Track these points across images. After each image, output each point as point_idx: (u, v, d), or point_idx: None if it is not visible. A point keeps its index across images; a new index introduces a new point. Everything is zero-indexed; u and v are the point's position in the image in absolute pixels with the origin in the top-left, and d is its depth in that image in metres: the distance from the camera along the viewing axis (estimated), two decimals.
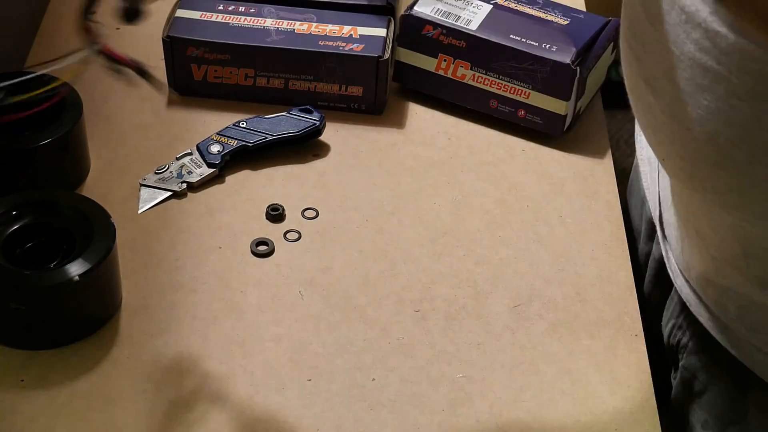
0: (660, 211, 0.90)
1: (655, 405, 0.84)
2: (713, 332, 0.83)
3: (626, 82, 0.78)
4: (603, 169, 1.04)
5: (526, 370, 0.86)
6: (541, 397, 0.84)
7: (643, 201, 0.97)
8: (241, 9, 1.07)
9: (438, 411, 0.83)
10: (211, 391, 0.83)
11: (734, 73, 0.65)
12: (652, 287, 0.96)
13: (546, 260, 0.94)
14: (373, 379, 0.84)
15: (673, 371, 0.91)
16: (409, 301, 0.90)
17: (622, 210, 1.00)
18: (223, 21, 1.06)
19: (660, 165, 0.85)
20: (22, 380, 0.82)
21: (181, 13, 1.06)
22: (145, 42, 1.13)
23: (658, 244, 0.91)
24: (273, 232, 0.95)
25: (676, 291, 0.88)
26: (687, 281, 0.85)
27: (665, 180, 0.87)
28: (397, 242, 0.95)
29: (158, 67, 1.09)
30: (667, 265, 0.88)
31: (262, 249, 0.92)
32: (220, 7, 1.07)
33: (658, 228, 0.90)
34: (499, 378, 0.85)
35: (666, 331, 0.91)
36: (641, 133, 0.94)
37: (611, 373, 0.86)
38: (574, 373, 0.86)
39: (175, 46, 1.04)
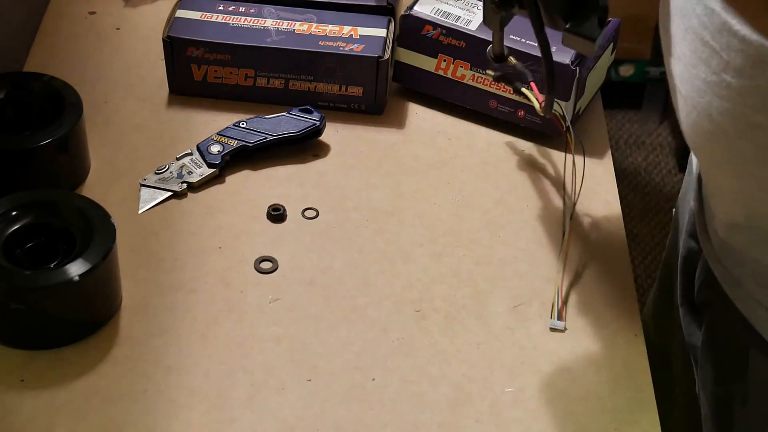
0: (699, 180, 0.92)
1: (655, 405, 0.84)
2: (725, 286, 0.85)
3: (663, 44, 0.81)
4: (603, 169, 1.04)
5: (526, 370, 0.86)
6: (541, 397, 0.84)
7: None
8: (242, 9, 1.07)
9: (438, 411, 0.83)
10: (211, 391, 0.83)
11: (724, 49, 0.69)
12: (692, 242, 0.97)
13: (546, 260, 0.94)
14: (373, 379, 0.84)
15: (701, 329, 0.93)
16: (409, 301, 0.90)
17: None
18: (223, 21, 1.06)
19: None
20: (22, 380, 0.83)
21: (181, 13, 1.06)
22: (145, 42, 1.13)
23: (695, 201, 0.93)
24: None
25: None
26: (709, 237, 0.87)
27: None
28: (397, 242, 0.95)
29: (158, 67, 1.09)
30: (696, 221, 0.90)
31: (266, 266, 0.92)
32: (221, 8, 1.07)
33: (695, 184, 0.92)
34: (499, 378, 0.85)
35: (696, 287, 0.92)
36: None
37: (611, 373, 0.86)
38: (574, 373, 0.86)
39: (175, 46, 1.04)
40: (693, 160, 1.01)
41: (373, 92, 1.05)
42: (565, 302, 0.91)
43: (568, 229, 0.95)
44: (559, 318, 0.89)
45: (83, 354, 0.85)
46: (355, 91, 1.05)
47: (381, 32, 1.05)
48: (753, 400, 0.86)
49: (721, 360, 0.89)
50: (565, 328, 0.89)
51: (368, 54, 1.04)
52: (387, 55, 1.04)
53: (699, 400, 0.93)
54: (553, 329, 0.88)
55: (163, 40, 1.04)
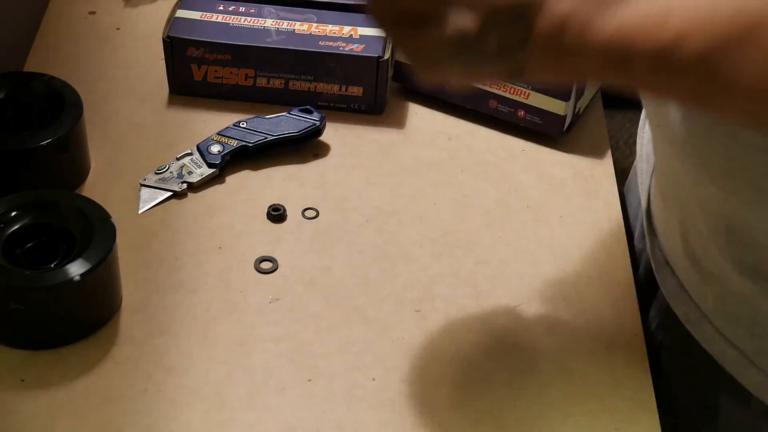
0: (648, 204, 0.91)
1: (655, 405, 0.84)
2: (689, 326, 0.84)
3: None
4: (603, 169, 1.04)
5: (526, 370, 0.86)
6: (541, 397, 0.84)
7: (640, 200, 0.97)
8: (242, 9, 1.07)
9: (438, 411, 0.83)
10: (211, 391, 0.83)
11: None
12: (643, 285, 0.96)
13: (546, 260, 0.94)
14: (373, 379, 0.84)
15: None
16: (409, 301, 0.90)
17: (624, 207, 1.00)
18: (223, 21, 1.06)
19: (653, 148, 0.88)
20: (22, 380, 0.83)
21: (181, 13, 1.06)
22: (145, 42, 1.13)
23: (643, 239, 0.92)
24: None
25: (660, 291, 0.89)
26: (672, 271, 0.86)
27: (656, 172, 0.88)
28: (397, 242, 0.95)
29: (158, 67, 1.09)
30: (652, 259, 0.89)
31: (266, 266, 0.92)
32: (221, 8, 1.07)
33: (645, 222, 0.91)
34: (499, 378, 0.85)
35: (650, 331, 0.91)
36: (644, 129, 0.96)
37: (611, 373, 0.86)
38: (574, 373, 0.86)
39: (175, 46, 1.04)
40: (635, 202, 1.00)
41: (373, 92, 1.05)
42: None
43: None
44: None
45: (83, 354, 0.85)
46: (355, 91, 1.05)
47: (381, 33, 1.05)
48: None
49: (682, 410, 0.87)
50: None
51: (368, 54, 1.03)
52: (387, 56, 1.04)
53: None
54: None
55: (164, 39, 1.04)
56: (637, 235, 0.99)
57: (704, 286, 0.82)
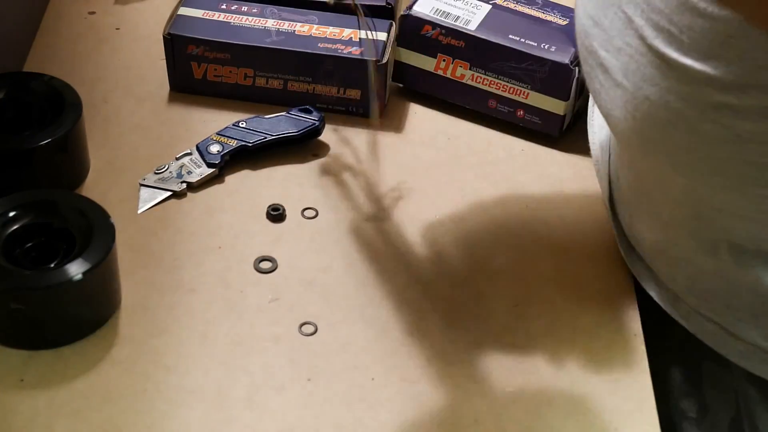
0: (610, 191, 0.91)
1: (655, 405, 0.84)
2: (664, 306, 0.85)
3: (580, 53, 0.80)
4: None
5: (526, 370, 0.86)
6: (541, 397, 0.84)
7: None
8: (244, 9, 1.07)
9: (438, 411, 0.83)
10: (211, 391, 0.83)
11: (685, 31, 0.68)
12: None
13: (546, 260, 0.94)
14: (373, 379, 0.84)
15: None
16: (409, 301, 0.90)
17: None
18: (224, 20, 1.06)
19: (611, 139, 0.89)
20: (22, 380, 0.82)
21: (183, 11, 1.06)
22: (145, 42, 1.13)
23: (608, 224, 0.92)
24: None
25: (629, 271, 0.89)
26: (639, 257, 0.86)
27: (615, 161, 0.89)
28: (397, 242, 0.95)
29: (158, 67, 1.09)
30: (618, 244, 0.90)
31: (266, 266, 0.92)
32: (223, 6, 1.07)
33: (608, 209, 0.91)
34: (499, 378, 0.85)
35: None
36: (593, 117, 0.96)
37: (611, 373, 0.86)
38: (574, 373, 0.86)
39: (175, 43, 1.04)
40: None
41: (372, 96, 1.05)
42: None
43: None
44: None
45: (83, 354, 0.84)
46: (353, 94, 1.05)
47: (381, 36, 1.05)
48: (711, 414, 0.86)
49: (667, 378, 0.88)
50: None
51: (367, 57, 1.03)
52: (386, 59, 1.03)
53: None
54: None
55: (164, 36, 1.05)
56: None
57: (673, 270, 0.83)
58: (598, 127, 0.96)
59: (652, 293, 0.85)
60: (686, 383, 0.87)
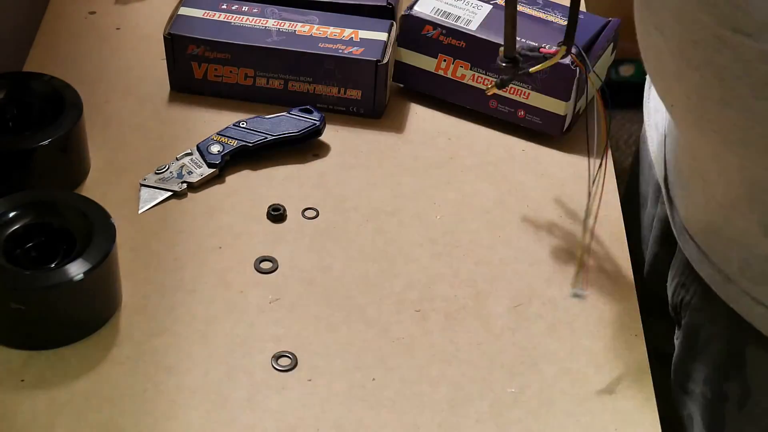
0: (665, 172, 0.91)
1: (655, 405, 0.84)
2: (714, 287, 0.84)
3: (638, 34, 0.80)
4: (604, 169, 1.03)
5: (526, 370, 0.86)
6: (541, 397, 0.84)
7: (650, 166, 0.98)
8: (245, 9, 1.07)
9: (438, 411, 0.83)
10: (211, 391, 0.83)
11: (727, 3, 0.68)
12: (658, 247, 0.97)
13: (546, 260, 0.94)
14: (373, 379, 0.84)
15: (676, 330, 0.92)
16: (409, 301, 0.90)
17: (628, 179, 1.00)
18: (225, 20, 1.06)
19: (667, 121, 0.89)
20: (22, 380, 0.82)
21: (183, 11, 1.06)
22: (145, 42, 1.13)
23: (664, 205, 0.92)
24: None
25: (680, 249, 0.89)
26: (691, 237, 0.86)
27: (672, 142, 0.89)
28: (397, 242, 0.95)
29: (158, 67, 1.09)
30: (672, 225, 0.90)
31: (266, 266, 0.92)
32: (224, 6, 1.07)
33: (663, 189, 0.92)
34: (499, 378, 0.85)
35: (670, 291, 0.92)
36: (650, 99, 0.96)
37: (611, 373, 0.86)
38: (574, 373, 0.86)
39: (175, 43, 1.05)
40: (646, 168, 1.01)
41: (372, 96, 1.05)
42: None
43: (600, 172, 0.90)
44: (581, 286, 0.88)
45: (83, 354, 0.85)
46: (354, 94, 1.05)
47: (382, 36, 1.05)
48: (754, 398, 0.86)
49: (711, 360, 0.89)
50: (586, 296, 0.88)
51: (367, 57, 1.03)
52: (386, 59, 1.03)
53: (675, 401, 0.93)
54: (576, 296, 0.88)
55: (164, 36, 1.05)
56: (651, 200, 1.00)
57: (727, 251, 0.82)
58: (653, 110, 0.97)
59: (703, 274, 0.85)
60: (728, 366, 0.87)
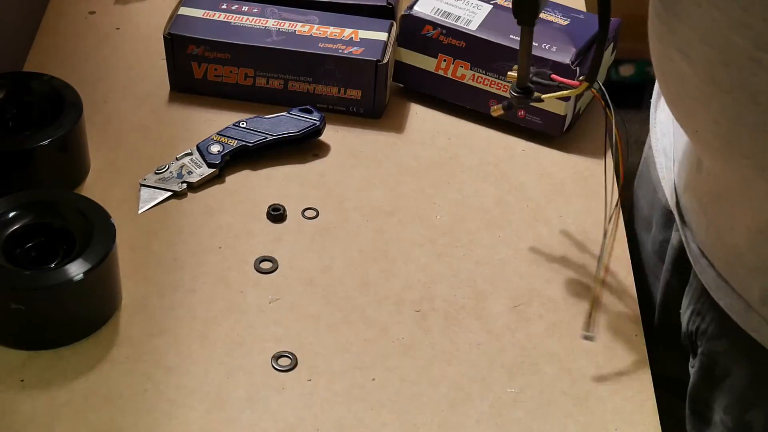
0: (677, 197, 0.90)
1: (655, 405, 0.84)
2: (734, 316, 0.83)
3: (655, 58, 0.79)
4: (603, 169, 1.03)
5: (526, 370, 0.86)
6: (541, 397, 0.84)
7: (655, 190, 0.97)
8: (244, 9, 1.07)
9: (438, 411, 0.83)
10: (210, 391, 0.83)
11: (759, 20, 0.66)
12: (670, 275, 0.95)
13: (546, 260, 0.94)
14: (373, 379, 0.84)
15: (691, 359, 0.91)
16: (409, 301, 0.90)
17: (630, 202, 1.00)
18: (224, 20, 1.06)
19: (675, 146, 0.87)
20: (22, 380, 0.82)
21: (183, 10, 1.06)
22: (145, 42, 1.13)
23: (677, 231, 0.91)
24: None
25: (695, 277, 0.88)
26: (710, 264, 0.85)
27: (685, 167, 0.88)
28: (397, 242, 0.95)
29: (158, 67, 1.09)
30: (687, 251, 0.88)
31: (266, 266, 0.92)
32: (224, 6, 1.07)
33: (676, 215, 0.90)
34: (499, 378, 0.85)
35: (685, 318, 0.91)
36: (656, 123, 0.95)
37: (611, 373, 0.86)
38: (574, 373, 0.86)
39: (175, 43, 1.05)
40: (650, 192, 1.00)
41: (372, 96, 1.05)
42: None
43: (611, 228, 0.90)
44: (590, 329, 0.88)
45: (83, 354, 0.84)
46: (354, 94, 1.05)
47: (382, 36, 1.05)
48: None
49: (732, 388, 0.87)
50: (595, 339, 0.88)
51: (367, 57, 1.03)
52: (386, 59, 1.03)
53: (692, 430, 0.92)
54: (587, 338, 0.87)
55: (164, 36, 1.05)
56: (659, 226, 0.99)
57: (749, 279, 0.81)
58: (660, 134, 0.96)
59: (721, 303, 0.84)
60: (752, 395, 0.86)
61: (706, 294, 0.86)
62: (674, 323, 0.92)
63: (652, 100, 1.00)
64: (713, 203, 0.83)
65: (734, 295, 0.82)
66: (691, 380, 0.91)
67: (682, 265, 0.91)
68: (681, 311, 0.92)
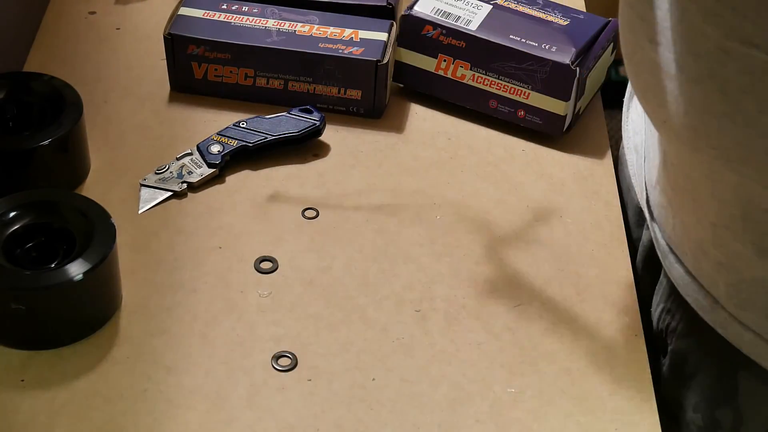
0: (647, 193, 0.90)
1: (655, 405, 0.84)
2: (702, 312, 0.83)
3: (625, 49, 0.79)
4: (603, 169, 1.04)
5: (526, 370, 0.86)
6: (541, 397, 0.84)
7: (629, 189, 0.97)
8: (245, 9, 1.07)
9: (438, 411, 0.83)
10: (211, 391, 0.83)
11: (732, 10, 0.66)
12: (642, 273, 0.96)
13: (546, 260, 0.94)
14: (373, 379, 0.84)
15: (662, 357, 0.91)
16: (409, 301, 0.90)
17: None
18: (225, 20, 1.06)
19: (646, 142, 0.88)
20: (22, 380, 0.82)
21: (184, 11, 1.06)
22: (145, 42, 1.13)
23: (647, 229, 0.91)
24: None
25: (665, 275, 0.88)
26: (678, 259, 0.85)
27: (654, 162, 0.88)
28: (397, 242, 0.95)
29: (158, 67, 1.09)
30: (656, 247, 0.89)
31: (266, 266, 0.92)
32: (224, 6, 1.07)
33: (646, 211, 0.90)
34: (499, 378, 0.85)
35: (655, 316, 0.91)
36: (628, 121, 0.95)
37: (611, 373, 0.86)
38: (574, 373, 0.86)
39: (176, 43, 1.05)
40: (624, 191, 1.00)
41: (372, 96, 1.05)
42: None
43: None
44: None
45: (83, 354, 0.85)
46: (354, 94, 1.05)
47: (382, 36, 1.05)
48: (746, 425, 0.85)
49: (701, 387, 0.87)
50: None
51: (367, 57, 1.03)
52: (386, 59, 1.03)
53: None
54: None
55: (164, 36, 1.05)
56: (633, 225, 0.99)
57: (715, 274, 0.81)
58: (632, 132, 0.96)
59: (689, 299, 0.84)
60: (720, 393, 0.86)
61: (675, 292, 0.87)
62: (646, 321, 0.93)
63: (625, 100, 1.00)
64: (680, 197, 0.83)
65: (701, 292, 0.83)
66: (661, 379, 0.91)
67: (652, 263, 0.91)
68: (651, 309, 0.92)
